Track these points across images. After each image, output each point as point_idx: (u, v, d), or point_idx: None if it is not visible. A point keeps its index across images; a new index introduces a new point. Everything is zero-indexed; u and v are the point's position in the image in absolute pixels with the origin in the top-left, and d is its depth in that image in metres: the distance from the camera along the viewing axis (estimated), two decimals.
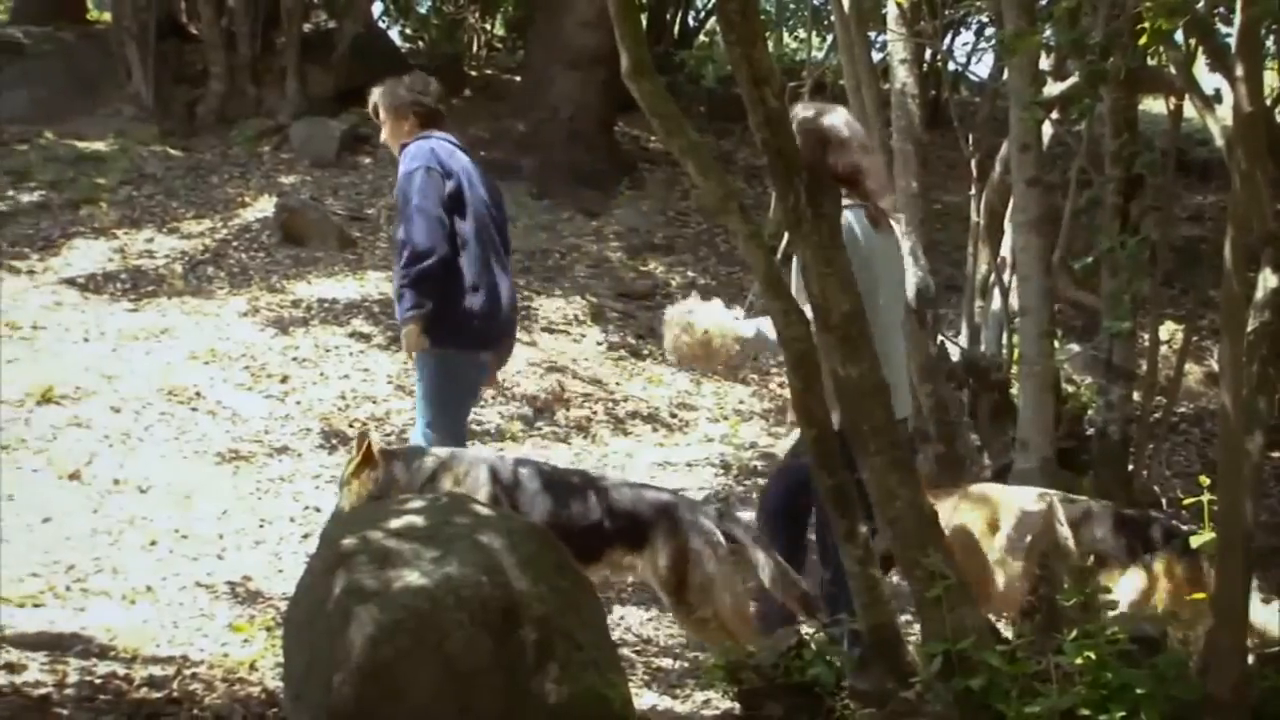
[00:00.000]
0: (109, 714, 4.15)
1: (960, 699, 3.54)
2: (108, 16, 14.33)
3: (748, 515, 5.50)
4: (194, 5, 13.31)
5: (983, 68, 14.26)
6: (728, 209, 3.78)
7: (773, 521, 4.88)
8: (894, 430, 3.77)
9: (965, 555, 4.32)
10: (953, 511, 4.65)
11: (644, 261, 11.07)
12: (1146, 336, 6.90)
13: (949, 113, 9.98)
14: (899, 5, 6.81)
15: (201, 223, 10.77)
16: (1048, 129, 6.91)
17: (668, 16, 16.19)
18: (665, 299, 10.34)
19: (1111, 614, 4.01)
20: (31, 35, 13.71)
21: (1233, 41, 3.69)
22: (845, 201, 4.28)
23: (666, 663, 5.30)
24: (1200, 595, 3.98)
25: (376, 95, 5.87)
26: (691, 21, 16.94)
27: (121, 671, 4.55)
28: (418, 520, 3.76)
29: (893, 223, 4.73)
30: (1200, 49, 5.20)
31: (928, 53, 9.16)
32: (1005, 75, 7.03)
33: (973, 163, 7.47)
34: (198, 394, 7.96)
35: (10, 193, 11.10)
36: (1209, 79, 5.15)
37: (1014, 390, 6.74)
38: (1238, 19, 3.64)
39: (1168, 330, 8.68)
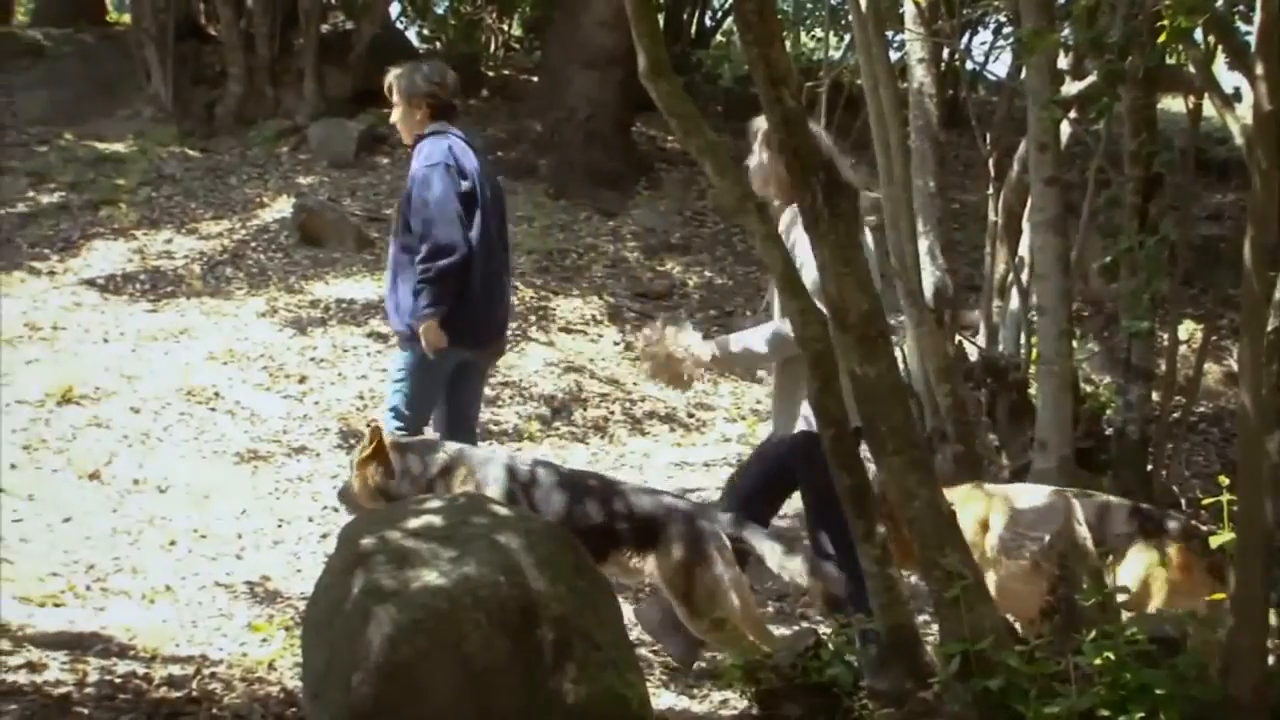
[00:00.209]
0: (129, 713, 4.17)
1: (978, 699, 3.53)
2: (127, 18, 14.40)
3: None
4: (213, 7, 13.36)
5: (1000, 67, 14.19)
6: (745, 209, 3.78)
7: (743, 505, 4.86)
8: (912, 430, 3.77)
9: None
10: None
11: (661, 261, 11.06)
12: (1165, 336, 6.87)
13: (967, 112, 9.97)
14: (917, 4, 6.80)
15: (220, 223, 10.82)
16: (1066, 128, 6.89)
17: (685, 16, 16.17)
18: (682, 299, 10.38)
19: (1122, 599, 4.01)
20: (51, 37, 13.81)
21: (1252, 40, 3.67)
22: None
23: None
24: (1219, 595, 3.96)
25: (393, 76, 5.90)
26: (708, 21, 16.94)
27: (141, 671, 4.57)
28: (436, 520, 3.77)
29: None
30: (1220, 47, 5.16)
31: (945, 52, 9.13)
32: (1023, 74, 7.02)
33: (990, 162, 7.46)
34: (216, 394, 8.00)
35: (30, 194, 11.17)
36: (1228, 77, 5.12)
37: (1032, 390, 6.72)
38: (1258, 17, 3.62)
39: (1187, 330, 8.65)
